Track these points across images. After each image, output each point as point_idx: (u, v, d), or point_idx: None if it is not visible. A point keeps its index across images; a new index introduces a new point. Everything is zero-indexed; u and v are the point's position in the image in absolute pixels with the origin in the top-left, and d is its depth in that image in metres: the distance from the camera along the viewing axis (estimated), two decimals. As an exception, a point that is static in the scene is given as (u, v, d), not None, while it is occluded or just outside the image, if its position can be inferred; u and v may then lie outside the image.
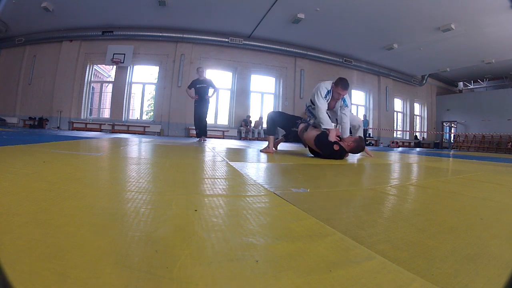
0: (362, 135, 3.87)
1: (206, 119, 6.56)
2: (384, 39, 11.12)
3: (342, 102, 3.27)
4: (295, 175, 1.81)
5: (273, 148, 3.54)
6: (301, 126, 3.29)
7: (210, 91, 6.31)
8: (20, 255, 0.44)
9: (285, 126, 3.55)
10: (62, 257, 0.44)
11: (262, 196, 1.01)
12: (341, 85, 3.14)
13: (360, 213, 0.90)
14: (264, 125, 12.65)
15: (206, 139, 6.80)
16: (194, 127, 12.20)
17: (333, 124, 3.27)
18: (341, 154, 2.90)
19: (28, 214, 0.64)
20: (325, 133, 2.98)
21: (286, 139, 3.78)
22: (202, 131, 6.42)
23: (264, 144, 3.69)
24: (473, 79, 17.31)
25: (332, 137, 2.90)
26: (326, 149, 2.90)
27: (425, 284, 0.44)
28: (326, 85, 3.23)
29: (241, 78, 12.51)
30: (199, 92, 6.21)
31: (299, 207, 0.87)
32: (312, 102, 3.36)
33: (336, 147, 2.85)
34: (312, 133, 3.07)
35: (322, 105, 3.16)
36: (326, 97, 3.20)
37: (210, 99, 6.51)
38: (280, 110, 12.68)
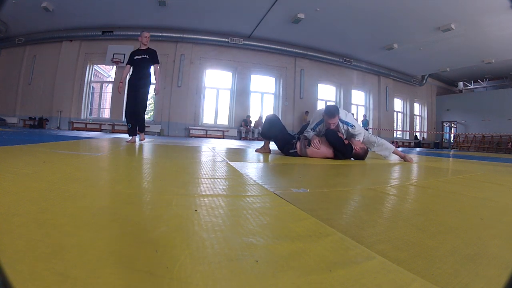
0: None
1: (145, 108, 4.30)
2: (384, 39, 11.11)
3: (346, 125, 3.19)
4: (295, 175, 1.81)
5: (270, 148, 3.51)
6: (298, 146, 3.14)
7: (155, 70, 4.22)
8: (20, 255, 0.44)
9: (280, 141, 3.29)
10: (62, 257, 0.44)
11: (262, 196, 1.01)
12: (326, 115, 3.12)
13: (360, 213, 0.91)
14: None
15: (145, 138, 4.62)
16: (194, 127, 12.52)
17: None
18: (350, 150, 3.07)
19: (28, 214, 0.64)
20: (330, 131, 3.09)
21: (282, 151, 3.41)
22: (138, 125, 4.21)
23: (262, 144, 3.63)
24: (473, 79, 17.30)
25: (313, 142, 3.10)
26: (338, 142, 3.02)
27: (425, 284, 0.44)
28: (316, 117, 3.31)
29: (241, 78, 12.51)
30: (137, 66, 4.16)
31: (299, 207, 0.87)
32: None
33: (346, 141, 3.08)
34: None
35: (308, 133, 3.31)
36: (317, 127, 3.29)
37: (151, 87, 4.33)
38: (280, 110, 12.71)
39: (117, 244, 0.51)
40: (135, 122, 4.15)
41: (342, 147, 3.02)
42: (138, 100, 4.12)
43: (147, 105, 4.35)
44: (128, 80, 4.23)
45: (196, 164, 1.99)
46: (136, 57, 4.17)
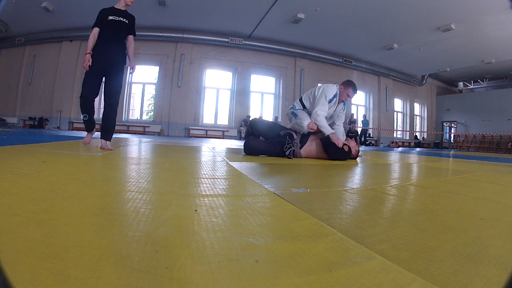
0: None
1: (119, 98, 2.84)
2: (384, 39, 11.12)
3: (343, 105, 3.25)
4: (295, 175, 1.81)
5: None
6: (296, 146, 3.01)
7: (130, 42, 2.82)
8: (20, 255, 0.44)
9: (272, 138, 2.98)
10: (62, 257, 0.44)
11: (262, 196, 1.01)
12: (353, 88, 3.10)
13: (360, 213, 0.90)
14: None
15: (110, 142, 2.78)
16: (194, 127, 12.54)
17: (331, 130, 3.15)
18: (349, 154, 2.97)
19: (28, 214, 0.64)
20: (329, 143, 2.92)
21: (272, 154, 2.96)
22: (107, 127, 2.76)
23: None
24: (473, 79, 17.30)
25: (339, 143, 2.87)
26: (335, 151, 2.91)
27: (425, 284, 0.44)
28: (333, 89, 3.12)
29: (241, 78, 12.52)
30: (111, 31, 2.71)
31: (299, 207, 0.87)
32: (303, 105, 3.25)
33: (346, 148, 2.92)
34: (313, 145, 3.00)
35: (324, 111, 3.04)
36: (331, 101, 3.11)
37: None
38: (280, 110, 12.72)
39: (117, 244, 0.51)
40: (106, 121, 2.76)
41: (344, 155, 2.95)
42: (111, 84, 2.74)
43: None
44: (94, 50, 2.68)
45: (196, 164, 1.99)
46: (110, 18, 2.71)
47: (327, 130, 2.94)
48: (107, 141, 2.75)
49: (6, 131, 5.90)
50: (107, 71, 2.71)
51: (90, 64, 2.62)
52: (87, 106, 2.74)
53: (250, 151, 2.93)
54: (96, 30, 2.69)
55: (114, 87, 2.77)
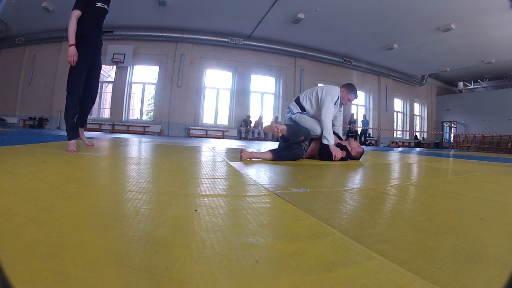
0: None
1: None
2: (384, 39, 11.11)
3: (340, 107, 3.22)
4: (295, 175, 1.81)
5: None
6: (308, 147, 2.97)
7: None
8: (20, 255, 0.44)
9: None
10: (62, 257, 0.44)
11: (262, 196, 1.01)
12: (355, 94, 3.09)
13: (360, 213, 0.90)
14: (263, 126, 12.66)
15: (86, 137, 2.83)
16: (194, 127, 12.53)
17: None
18: (346, 159, 2.94)
19: (28, 214, 0.64)
20: (326, 148, 2.85)
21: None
22: (84, 118, 2.76)
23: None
24: (473, 79, 17.29)
25: (337, 156, 2.79)
26: (326, 156, 2.87)
27: (425, 284, 0.44)
28: (336, 91, 3.05)
29: (241, 78, 12.51)
30: (96, 19, 2.48)
31: (299, 207, 0.87)
32: (301, 107, 3.12)
33: (343, 155, 2.86)
34: (315, 147, 2.96)
35: (332, 112, 2.92)
36: (335, 103, 3.04)
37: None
38: (280, 110, 12.72)
39: (117, 244, 0.51)
40: (86, 112, 2.68)
41: (347, 158, 2.95)
42: (96, 77, 2.63)
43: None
44: (82, 37, 2.36)
45: (196, 164, 1.99)
46: (99, 4, 2.42)
47: (330, 139, 2.84)
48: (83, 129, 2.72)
49: (6, 131, 5.90)
50: (95, 64, 2.55)
51: (73, 60, 2.39)
52: (77, 108, 2.55)
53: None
54: (78, 13, 2.32)
55: (98, 80, 2.69)
